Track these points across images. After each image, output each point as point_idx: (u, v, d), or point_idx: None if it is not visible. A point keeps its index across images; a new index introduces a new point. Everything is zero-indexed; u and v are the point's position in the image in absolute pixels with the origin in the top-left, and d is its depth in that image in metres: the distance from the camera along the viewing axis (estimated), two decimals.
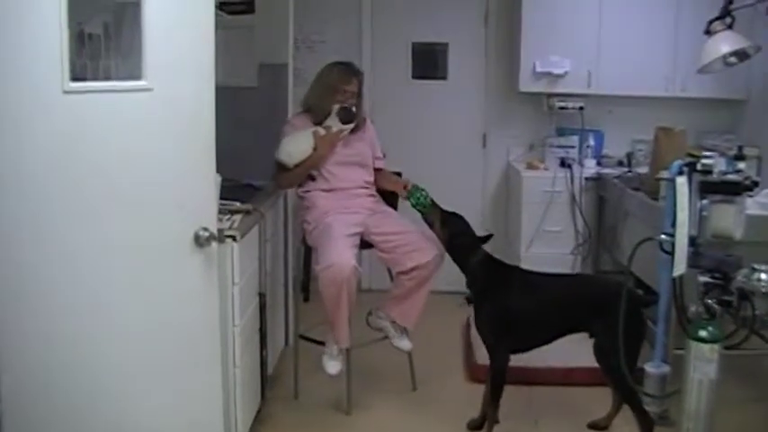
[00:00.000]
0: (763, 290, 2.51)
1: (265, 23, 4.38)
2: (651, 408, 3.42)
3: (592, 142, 5.60)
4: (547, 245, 5.33)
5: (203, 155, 2.45)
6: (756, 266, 2.55)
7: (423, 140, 5.81)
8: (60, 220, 2.01)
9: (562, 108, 5.49)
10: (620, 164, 5.53)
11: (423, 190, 3.74)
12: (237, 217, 3.17)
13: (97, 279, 2.11)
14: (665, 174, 3.37)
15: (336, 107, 3.85)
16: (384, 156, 4.16)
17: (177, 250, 2.36)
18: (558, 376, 4.06)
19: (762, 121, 5.20)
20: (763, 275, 2.52)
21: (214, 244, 2.46)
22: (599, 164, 5.56)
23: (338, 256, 3.51)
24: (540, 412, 3.79)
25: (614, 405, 3.53)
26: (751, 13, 4.32)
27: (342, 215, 3.77)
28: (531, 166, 5.53)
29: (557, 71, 5.36)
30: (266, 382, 3.59)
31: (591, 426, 3.60)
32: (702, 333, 2.58)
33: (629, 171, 5.21)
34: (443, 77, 5.87)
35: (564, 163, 5.41)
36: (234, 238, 2.98)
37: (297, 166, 3.84)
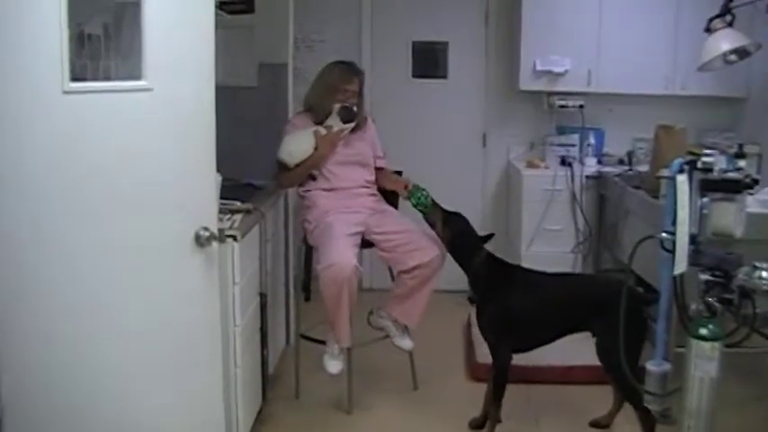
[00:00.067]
0: (764, 288, 2.50)
1: (265, 23, 4.38)
2: (652, 406, 3.41)
3: (592, 140, 5.60)
4: (547, 243, 5.33)
5: (203, 154, 2.45)
6: (757, 264, 2.54)
7: (423, 139, 5.81)
8: (60, 221, 2.01)
9: (562, 106, 5.49)
10: (621, 162, 5.52)
11: (423, 190, 3.74)
12: (238, 216, 3.17)
13: (97, 279, 2.11)
14: (665, 172, 3.36)
15: (337, 106, 3.84)
16: (384, 155, 4.16)
17: (178, 250, 2.36)
18: (557, 375, 4.06)
19: (762, 119, 5.20)
20: (763, 273, 2.51)
21: (215, 244, 2.46)
22: (599, 162, 5.56)
23: (339, 256, 3.51)
24: (540, 411, 3.80)
25: (615, 403, 3.54)
26: (751, 10, 4.32)
27: (343, 214, 3.76)
28: (531, 165, 5.53)
29: (557, 70, 5.36)
30: (267, 381, 3.59)
31: (592, 424, 3.61)
32: (703, 331, 2.57)
33: (630, 169, 5.21)
34: (443, 76, 5.87)
35: (564, 161, 5.41)
36: (234, 237, 2.98)
37: (298, 165, 3.84)
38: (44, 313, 1.99)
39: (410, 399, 4.00)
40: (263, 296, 3.45)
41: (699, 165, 2.95)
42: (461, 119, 5.89)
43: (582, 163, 5.46)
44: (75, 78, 2.00)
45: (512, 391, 3.43)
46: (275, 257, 4.02)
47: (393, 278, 3.86)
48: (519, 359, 3.44)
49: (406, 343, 3.88)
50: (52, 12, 1.92)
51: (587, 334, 3.36)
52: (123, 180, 2.16)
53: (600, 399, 3.61)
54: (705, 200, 2.85)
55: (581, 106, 5.46)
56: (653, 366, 3.52)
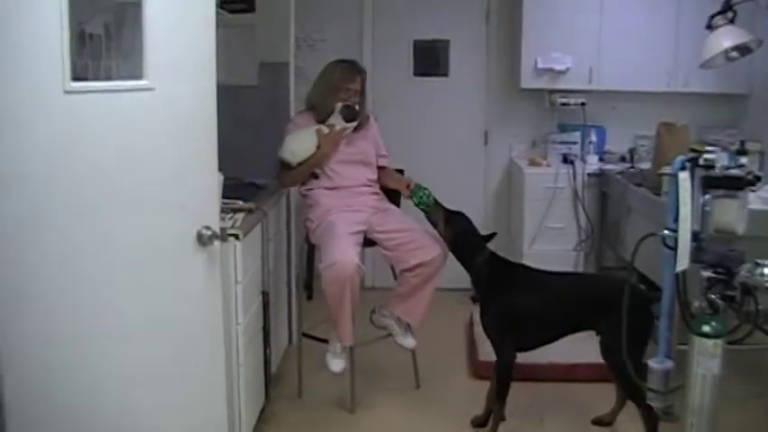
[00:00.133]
0: (767, 285, 2.50)
1: (266, 22, 4.38)
2: (655, 403, 3.41)
3: (594, 138, 5.60)
4: (549, 241, 5.33)
5: (205, 154, 2.45)
6: (759, 261, 2.54)
7: (424, 138, 5.81)
8: (62, 220, 2.01)
9: (564, 104, 5.50)
10: (623, 159, 5.53)
11: (426, 189, 3.74)
12: (240, 215, 3.17)
13: (99, 278, 2.11)
14: (667, 169, 3.36)
15: (339, 105, 3.84)
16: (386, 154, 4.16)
17: (180, 249, 2.36)
18: (560, 372, 4.06)
19: (764, 116, 5.19)
20: (766, 270, 2.51)
21: (217, 243, 2.46)
22: (601, 160, 5.56)
23: (341, 254, 3.51)
24: (543, 409, 3.79)
25: (618, 401, 3.54)
26: (752, 7, 4.32)
27: (345, 213, 3.77)
28: (533, 163, 5.53)
29: (558, 67, 5.36)
30: (270, 380, 3.59)
31: (595, 422, 3.61)
32: (706, 328, 2.57)
33: (632, 167, 5.21)
34: (445, 74, 5.87)
35: (566, 159, 5.42)
36: (236, 236, 2.97)
37: (300, 164, 3.84)
38: (45, 313, 1.99)
39: (413, 397, 4.00)
40: (265, 295, 3.45)
41: (701, 162, 2.95)
42: (463, 117, 5.89)
43: (584, 161, 5.45)
44: (76, 78, 2.00)
45: (515, 388, 3.43)
46: (277, 256, 4.02)
47: (395, 277, 3.86)
48: (522, 357, 3.44)
49: (409, 341, 3.89)
50: (53, 11, 1.91)
51: (590, 332, 3.36)
52: (124, 179, 2.16)
53: (603, 396, 3.61)
54: (707, 197, 2.85)
55: (582, 104, 5.46)
56: (655, 364, 3.52)
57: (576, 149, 5.50)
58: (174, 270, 2.35)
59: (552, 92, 5.53)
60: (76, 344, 2.06)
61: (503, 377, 3.41)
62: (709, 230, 2.82)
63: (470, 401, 3.73)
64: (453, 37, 5.81)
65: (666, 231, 2.98)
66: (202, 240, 2.39)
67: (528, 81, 5.46)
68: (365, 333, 3.87)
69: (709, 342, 2.56)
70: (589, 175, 5.36)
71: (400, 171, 4.20)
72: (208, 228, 2.40)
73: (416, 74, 5.86)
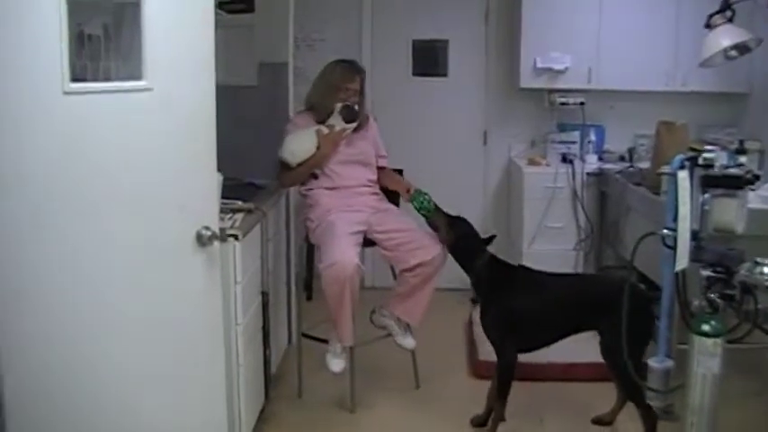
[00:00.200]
0: (766, 284, 2.50)
1: (265, 22, 4.38)
2: (655, 402, 3.42)
3: (593, 137, 5.60)
4: (549, 241, 5.33)
5: (204, 154, 2.45)
6: (759, 260, 2.55)
7: (424, 138, 5.81)
8: (62, 221, 2.01)
9: (563, 104, 5.49)
10: (622, 159, 5.53)
11: (426, 194, 3.75)
12: (239, 216, 3.17)
13: (99, 279, 2.11)
14: (666, 168, 3.37)
15: (339, 106, 3.84)
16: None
17: (179, 250, 2.36)
18: (560, 372, 4.06)
19: (763, 115, 5.19)
20: (765, 269, 2.52)
21: (216, 243, 2.46)
22: (600, 159, 5.55)
23: (341, 255, 3.51)
24: (543, 408, 3.80)
25: (618, 400, 3.54)
26: (751, 6, 4.32)
27: (345, 213, 3.77)
28: (532, 162, 5.53)
29: (557, 67, 5.36)
30: (270, 380, 3.59)
31: (595, 421, 3.61)
32: (705, 327, 2.58)
33: (631, 166, 5.21)
34: (444, 74, 5.87)
35: (565, 159, 5.42)
36: (236, 237, 2.98)
37: (300, 165, 3.84)
38: (45, 313, 1.99)
39: (412, 397, 4.00)
40: (264, 295, 3.45)
41: (700, 161, 2.96)
42: (462, 117, 5.89)
43: (583, 160, 5.45)
44: (75, 79, 2.00)
45: (515, 388, 3.43)
46: (277, 256, 4.02)
47: (395, 277, 3.86)
48: (522, 357, 3.44)
49: (409, 342, 3.89)
50: (52, 12, 1.92)
51: (589, 331, 3.35)
52: (124, 180, 2.16)
53: (603, 396, 3.61)
54: (706, 196, 2.85)
55: (582, 103, 5.46)
56: (655, 363, 3.53)
57: (575, 149, 5.50)
58: (174, 270, 2.35)
59: (551, 91, 5.53)
60: (76, 344, 2.06)
61: (504, 378, 3.41)
62: (708, 229, 2.82)
63: (470, 401, 3.74)
64: (452, 37, 5.81)
65: (666, 230, 2.98)
66: (202, 241, 2.39)
67: (527, 81, 5.46)
68: (365, 333, 3.87)
69: (709, 341, 2.56)
70: (588, 174, 5.36)
71: (399, 171, 4.20)
72: (207, 228, 2.40)
73: (415, 74, 5.85)
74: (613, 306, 3.04)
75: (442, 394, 4.02)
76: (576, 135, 5.53)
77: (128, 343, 2.21)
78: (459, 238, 3.58)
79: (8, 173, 1.86)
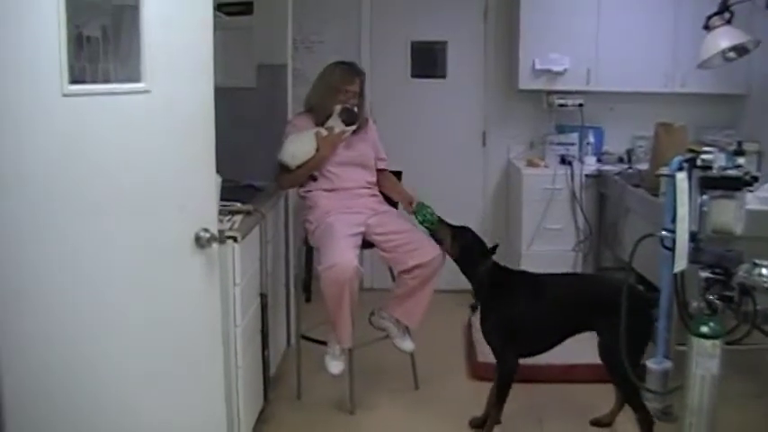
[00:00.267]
0: (765, 285, 2.50)
1: (264, 24, 4.38)
2: (654, 404, 3.42)
3: (592, 139, 5.60)
4: (548, 242, 5.34)
5: (203, 156, 2.45)
6: (757, 261, 2.55)
7: (422, 139, 5.81)
8: (61, 222, 2.01)
9: (562, 105, 5.50)
10: (621, 160, 5.53)
11: (429, 207, 3.77)
12: (238, 218, 3.17)
13: (98, 280, 2.11)
14: (665, 170, 3.37)
15: (339, 108, 3.84)
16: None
17: (178, 251, 2.36)
18: (560, 373, 4.06)
19: (762, 116, 5.20)
20: (764, 270, 2.52)
21: (215, 245, 2.46)
22: (599, 161, 5.56)
23: (341, 256, 3.51)
24: (542, 410, 3.80)
25: (617, 402, 3.53)
26: (750, 7, 4.32)
27: (344, 215, 3.77)
28: (531, 164, 5.54)
29: (556, 68, 5.36)
30: (269, 382, 3.59)
31: (594, 423, 3.61)
32: (704, 329, 2.58)
33: (630, 167, 5.21)
34: (443, 76, 5.87)
35: (564, 160, 5.42)
36: (235, 238, 2.97)
37: (299, 167, 3.84)
38: (45, 314, 1.99)
39: (412, 398, 4.00)
40: (263, 297, 3.45)
41: (698, 162, 2.96)
42: (461, 118, 5.89)
43: (582, 161, 5.46)
44: (74, 81, 2.00)
45: (514, 389, 3.43)
46: (276, 258, 4.02)
47: (394, 278, 3.86)
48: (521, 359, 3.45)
49: (407, 344, 3.89)
50: (51, 15, 1.92)
51: (588, 332, 3.36)
52: (123, 182, 2.16)
53: (602, 397, 3.61)
54: (705, 197, 2.85)
55: (580, 105, 5.46)
56: (654, 364, 3.53)
57: (573, 150, 5.50)
58: (173, 272, 2.35)
59: (550, 93, 5.53)
60: (76, 344, 2.07)
61: (503, 383, 3.41)
62: (706, 231, 2.82)
63: (469, 402, 3.74)
64: (451, 38, 5.81)
65: (664, 232, 2.99)
66: (201, 243, 2.39)
67: (526, 82, 5.46)
68: (364, 334, 3.87)
69: (708, 342, 2.56)
70: (587, 176, 5.36)
71: (398, 173, 4.20)
72: (206, 230, 2.40)
73: (414, 75, 5.85)
74: (612, 307, 3.05)
75: (441, 395, 4.02)
76: (574, 137, 5.53)
77: (127, 343, 2.21)
78: (464, 248, 3.58)
79: (8, 173, 1.86)
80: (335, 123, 3.84)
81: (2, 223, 1.87)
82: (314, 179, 3.91)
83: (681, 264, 2.75)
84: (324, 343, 3.81)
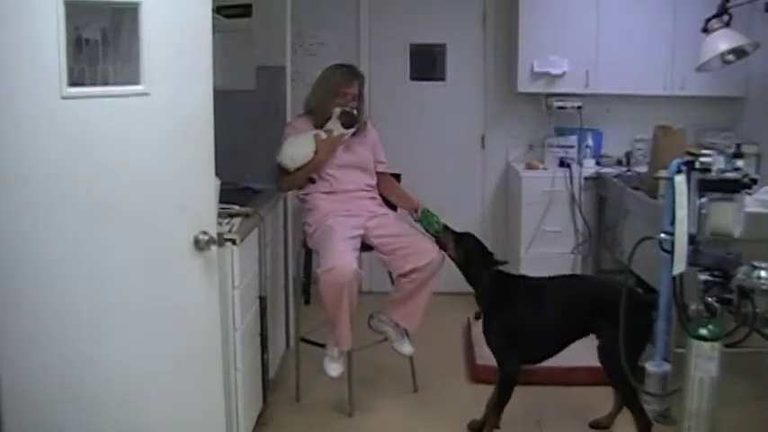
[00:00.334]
0: (764, 287, 2.51)
1: (263, 26, 4.38)
2: (653, 406, 3.42)
3: (591, 142, 5.60)
4: (547, 245, 5.33)
5: (202, 158, 2.45)
6: (756, 264, 2.55)
7: (421, 142, 5.81)
8: (61, 223, 2.01)
9: (560, 108, 5.50)
10: (620, 163, 5.53)
11: (434, 215, 3.79)
12: (237, 220, 3.17)
13: (98, 282, 2.12)
14: (663, 172, 3.37)
15: (338, 111, 3.84)
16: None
17: (177, 254, 2.36)
18: (557, 376, 4.06)
19: (760, 119, 5.20)
20: (762, 273, 2.52)
21: (214, 248, 2.46)
22: (598, 163, 5.56)
23: (340, 259, 3.51)
24: (541, 412, 3.79)
25: (616, 404, 3.53)
26: (749, 10, 4.33)
27: (343, 218, 3.77)
28: (530, 167, 5.53)
29: (555, 71, 5.36)
30: (268, 385, 3.59)
31: (592, 425, 3.60)
32: (703, 331, 2.57)
33: (629, 170, 5.21)
34: (441, 79, 5.87)
35: (563, 163, 5.41)
36: (233, 241, 2.98)
37: (298, 169, 3.83)
38: (45, 314, 1.99)
39: (411, 401, 4.00)
40: (262, 299, 3.44)
41: (697, 165, 2.96)
42: (460, 121, 5.89)
43: (580, 164, 5.45)
44: (73, 83, 2.00)
45: (513, 391, 3.43)
46: (275, 261, 4.02)
47: (393, 281, 3.86)
48: None
49: (406, 348, 3.88)
50: (50, 16, 1.92)
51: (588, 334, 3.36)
52: (122, 184, 2.17)
53: (601, 400, 3.61)
54: (704, 200, 2.86)
55: (579, 107, 5.47)
56: (653, 367, 3.53)
57: (572, 153, 5.49)
58: (172, 274, 2.35)
59: (549, 95, 5.53)
60: (76, 343, 2.07)
61: (503, 388, 3.42)
62: (705, 233, 2.82)
63: (468, 405, 3.73)
64: (450, 41, 5.81)
65: (663, 234, 2.98)
66: (200, 245, 2.39)
67: (524, 85, 5.46)
68: (363, 337, 3.87)
69: (707, 345, 2.56)
70: (586, 178, 5.36)
71: (397, 175, 4.20)
72: (205, 233, 2.40)
73: (413, 78, 5.85)
74: (613, 309, 3.05)
75: (440, 398, 4.01)
76: (573, 139, 5.53)
77: (127, 344, 2.22)
78: (466, 254, 3.58)
79: (8, 174, 1.87)
80: (334, 126, 3.84)
81: (2, 223, 1.87)
82: (313, 182, 3.91)
83: (680, 266, 2.75)
84: (323, 346, 3.81)
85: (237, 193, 3.67)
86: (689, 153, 3.38)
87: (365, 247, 3.77)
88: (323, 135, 3.83)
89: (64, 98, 1.97)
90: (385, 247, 3.72)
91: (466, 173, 5.92)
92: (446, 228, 3.71)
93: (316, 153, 3.81)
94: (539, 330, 3.38)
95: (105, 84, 2.18)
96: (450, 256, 3.63)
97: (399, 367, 4.08)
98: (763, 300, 2.53)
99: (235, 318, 3.04)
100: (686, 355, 2.64)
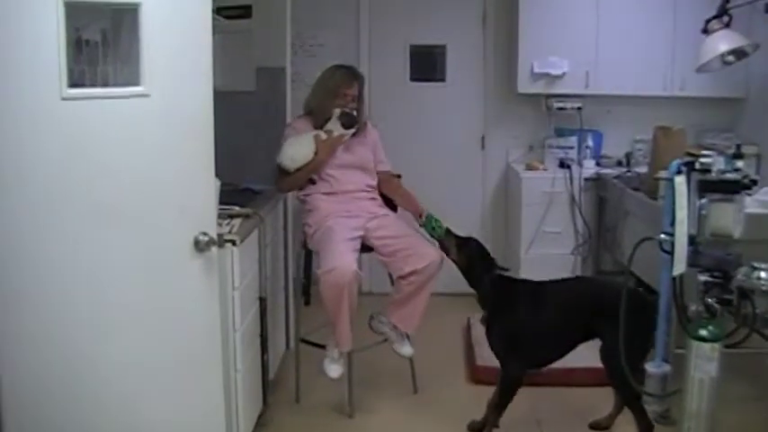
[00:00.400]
0: (763, 288, 2.50)
1: (263, 27, 4.38)
2: (652, 407, 3.41)
3: (590, 143, 5.60)
4: (547, 246, 5.33)
5: (202, 159, 2.46)
6: (756, 264, 2.54)
7: (421, 143, 5.81)
8: (61, 223, 2.01)
9: (560, 109, 5.50)
10: (620, 164, 5.54)
11: (438, 220, 3.81)
12: (237, 221, 3.17)
13: (98, 282, 2.12)
14: (663, 173, 3.37)
15: (338, 112, 3.84)
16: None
17: (177, 255, 2.36)
18: (557, 376, 4.05)
19: (760, 120, 5.20)
20: (762, 273, 2.51)
21: (214, 249, 2.46)
22: (598, 164, 5.56)
23: (340, 260, 3.51)
24: (541, 413, 3.79)
25: (616, 405, 3.53)
26: (749, 11, 4.33)
27: (343, 219, 3.77)
28: (530, 167, 5.54)
29: (555, 72, 5.36)
30: (268, 386, 3.59)
31: (592, 426, 3.60)
32: (703, 332, 2.57)
33: (629, 171, 5.22)
34: (442, 79, 5.87)
35: (563, 164, 5.41)
36: (233, 242, 2.98)
37: (298, 170, 3.84)
38: (45, 314, 2.00)
39: (411, 402, 4.00)
40: (262, 300, 3.45)
41: (697, 166, 2.95)
42: (460, 122, 5.89)
43: (581, 165, 5.46)
44: (73, 84, 2.01)
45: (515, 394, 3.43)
46: (275, 262, 4.02)
47: (393, 282, 3.86)
48: None
49: (406, 350, 3.88)
50: (50, 18, 1.92)
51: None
52: (123, 184, 2.17)
53: (602, 401, 3.61)
54: (703, 201, 2.85)
55: (579, 108, 5.47)
56: (653, 368, 3.52)
57: (572, 154, 5.50)
58: (172, 275, 2.35)
59: (549, 96, 5.53)
60: (76, 343, 2.08)
61: (505, 390, 3.42)
62: (705, 234, 2.82)
63: (468, 406, 3.73)
64: (450, 42, 5.81)
65: (663, 235, 2.98)
66: (199, 246, 2.39)
67: (524, 86, 5.46)
68: (363, 338, 3.87)
69: (707, 345, 2.55)
70: (586, 179, 5.36)
71: (397, 176, 4.20)
72: (205, 234, 2.40)
73: (413, 79, 5.86)
74: (614, 311, 3.04)
75: (440, 399, 4.01)
76: (573, 140, 5.53)
77: (127, 344, 2.22)
78: (468, 258, 3.59)
79: (8, 174, 1.87)
80: (334, 127, 3.84)
81: (2, 223, 1.88)
82: (313, 182, 3.91)
83: (680, 267, 2.75)
84: (323, 347, 3.81)
85: (237, 194, 3.68)
86: (689, 154, 3.37)
87: (365, 248, 3.77)
88: (323, 135, 3.83)
89: (64, 99, 1.97)
90: (385, 248, 3.72)
91: (466, 174, 5.92)
92: (449, 232, 3.72)
93: (316, 153, 3.81)
94: (540, 333, 3.39)
95: (105, 85, 2.18)
96: (452, 260, 3.64)
97: (399, 368, 4.08)
98: (763, 300, 2.52)
99: (235, 319, 3.04)
100: (686, 355, 2.63)
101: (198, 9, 2.38)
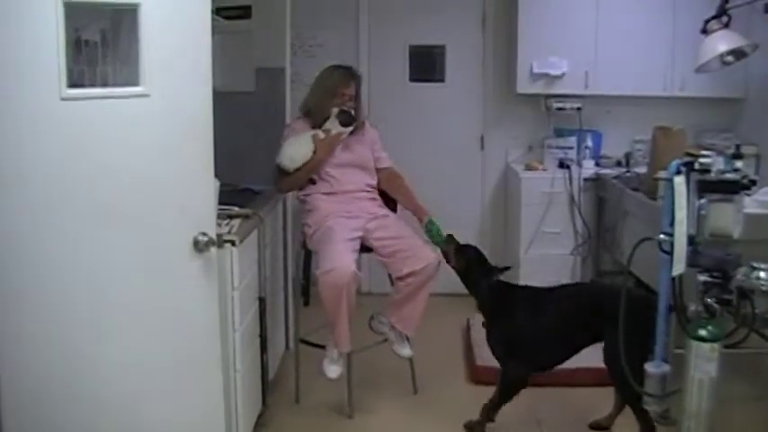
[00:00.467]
0: (763, 288, 2.50)
1: (262, 28, 4.38)
2: (652, 407, 3.41)
3: (590, 143, 5.61)
4: (546, 246, 5.33)
5: (202, 160, 2.46)
6: (755, 265, 2.54)
7: (421, 143, 5.81)
8: (61, 223, 2.01)
9: (560, 109, 5.51)
10: (619, 164, 5.54)
11: (437, 226, 3.85)
12: (236, 222, 3.17)
13: (98, 282, 2.12)
14: (663, 173, 3.36)
15: (336, 110, 3.85)
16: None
17: (176, 255, 2.36)
18: (559, 377, 4.04)
19: (760, 120, 5.20)
20: (762, 273, 2.51)
21: (213, 249, 2.46)
22: (597, 164, 5.57)
23: (339, 261, 3.51)
24: (541, 413, 3.79)
25: (617, 405, 3.53)
26: (748, 11, 4.33)
27: (343, 219, 3.77)
28: (529, 168, 5.54)
29: (554, 72, 5.36)
30: (267, 386, 3.59)
31: (592, 426, 3.61)
32: (702, 332, 2.57)
33: (628, 171, 5.22)
34: (441, 80, 5.87)
35: (562, 164, 5.42)
36: (233, 242, 2.98)
37: (297, 169, 3.84)
38: (45, 314, 2.00)
39: (410, 402, 4.00)
40: (262, 301, 3.44)
41: (696, 166, 2.95)
42: (459, 122, 5.89)
43: (580, 165, 5.46)
44: (73, 84, 2.01)
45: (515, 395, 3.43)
46: (274, 262, 4.02)
47: (392, 283, 3.86)
48: None
49: (406, 351, 3.88)
50: (50, 18, 1.92)
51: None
52: (122, 184, 2.17)
53: (602, 401, 3.61)
54: (703, 201, 2.85)
55: (578, 108, 5.47)
56: (652, 368, 3.51)
57: (572, 154, 5.50)
58: (171, 276, 2.35)
59: (548, 96, 5.53)
60: (76, 344, 2.08)
61: (504, 390, 3.43)
62: (704, 234, 2.82)
63: (468, 406, 3.73)
64: (449, 42, 5.81)
65: (663, 236, 2.98)
66: (199, 247, 2.39)
67: (524, 86, 5.47)
68: (362, 338, 3.87)
69: (707, 345, 2.56)
70: (585, 179, 5.36)
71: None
72: (204, 234, 2.40)
73: (412, 79, 5.86)
74: (615, 311, 3.04)
75: (439, 399, 4.01)
76: (572, 140, 5.54)
77: (126, 344, 2.22)
78: (467, 264, 3.59)
79: (8, 174, 1.87)
80: (332, 126, 3.85)
81: (2, 223, 1.88)
82: (313, 182, 3.91)
83: (679, 267, 2.75)
84: (322, 347, 3.81)
85: (237, 194, 3.68)
86: (688, 154, 3.37)
87: (365, 248, 3.77)
88: (321, 134, 3.84)
89: (63, 99, 1.97)
90: (384, 249, 3.72)
91: (465, 174, 5.92)
92: (449, 237, 3.73)
93: (314, 152, 3.82)
94: (539, 337, 3.39)
95: (105, 85, 2.18)
96: (452, 266, 3.65)
97: (399, 369, 4.08)
98: (763, 300, 2.52)
99: (234, 319, 3.04)
100: (686, 355, 2.63)
101: (197, 9, 2.38)
